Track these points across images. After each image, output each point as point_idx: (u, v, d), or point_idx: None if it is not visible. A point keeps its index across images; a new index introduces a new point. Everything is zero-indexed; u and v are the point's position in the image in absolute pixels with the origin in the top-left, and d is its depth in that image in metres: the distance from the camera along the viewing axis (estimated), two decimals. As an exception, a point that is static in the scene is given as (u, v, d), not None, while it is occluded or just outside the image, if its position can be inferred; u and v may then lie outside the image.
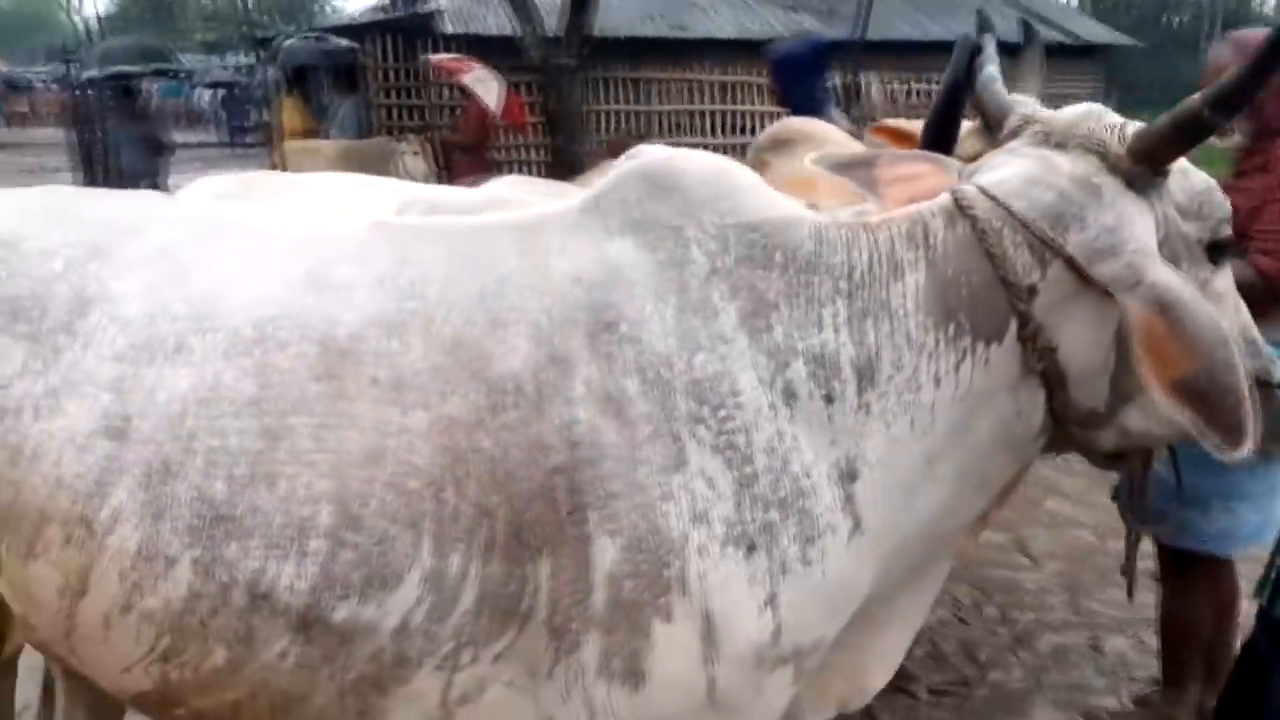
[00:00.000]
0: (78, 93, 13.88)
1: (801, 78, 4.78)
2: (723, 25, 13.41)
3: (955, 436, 1.48)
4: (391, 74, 11.88)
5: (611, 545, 1.37)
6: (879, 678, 1.72)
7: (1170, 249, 1.46)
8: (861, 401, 1.44)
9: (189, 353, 1.45)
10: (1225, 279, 1.56)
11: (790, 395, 1.43)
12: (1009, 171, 1.49)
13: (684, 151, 1.60)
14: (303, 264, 1.53)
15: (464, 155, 8.94)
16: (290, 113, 11.75)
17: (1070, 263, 1.41)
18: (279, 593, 1.39)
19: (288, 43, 11.94)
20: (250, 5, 40.07)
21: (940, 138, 1.76)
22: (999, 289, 1.44)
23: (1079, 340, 1.45)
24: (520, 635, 1.41)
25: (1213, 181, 1.53)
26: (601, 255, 1.48)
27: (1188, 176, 1.50)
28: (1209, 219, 1.50)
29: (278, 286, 1.50)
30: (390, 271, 1.50)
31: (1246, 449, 1.31)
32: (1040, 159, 1.49)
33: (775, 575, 1.40)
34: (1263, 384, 1.51)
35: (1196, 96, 1.37)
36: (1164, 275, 1.38)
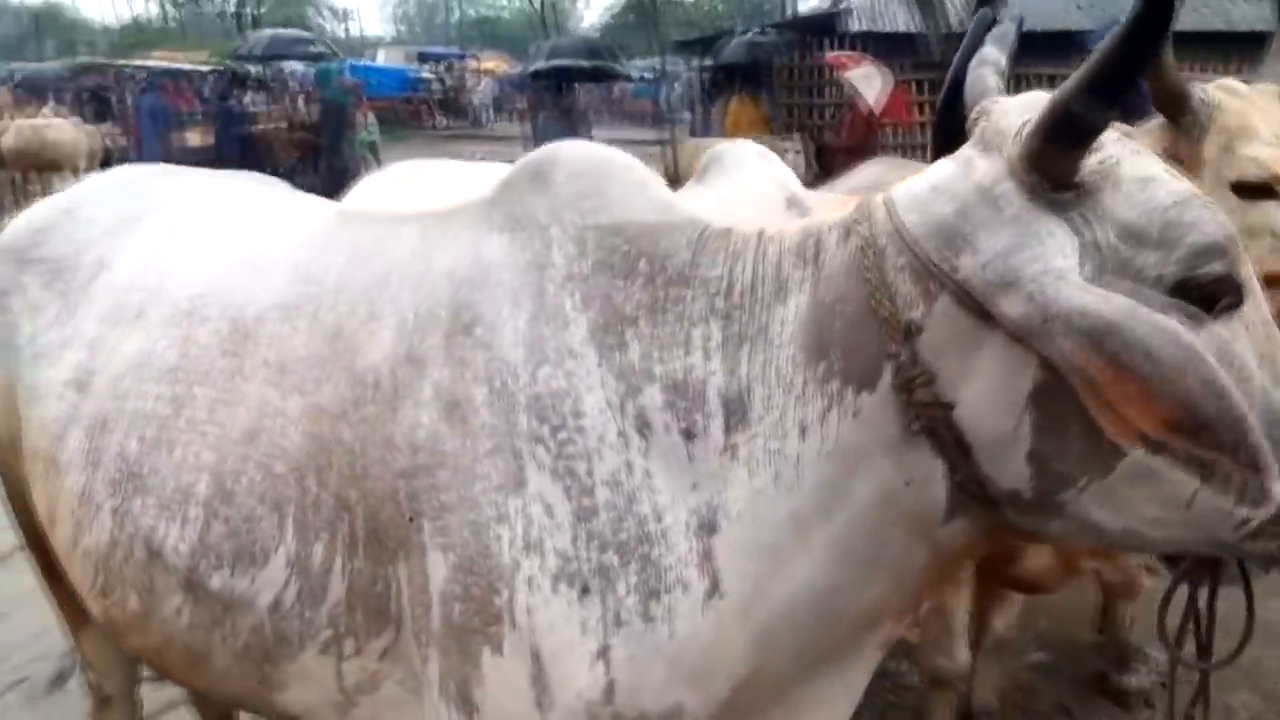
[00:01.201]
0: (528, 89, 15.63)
1: None
2: (1168, 15, 11.85)
3: (827, 500, 1.20)
4: (796, 73, 11.98)
5: (443, 561, 1.30)
6: None
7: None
8: (728, 442, 1.23)
9: (145, 319, 1.60)
10: (1226, 329, 1.06)
11: (644, 425, 1.26)
12: (925, 179, 1.19)
13: (579, 143, 1.46)
14: (255, 246, 1.62)
15: (846, 157, 8.79)
16: (738, 109, 12.23)
17: (961, 296, 1.09)
18: (167, 553, 1.49)
19: (721, 42, 12.53)
20: (720, 9, 42.33)
21: (948, 133, 1.44)
22: (874, 323, 1.15)
23: (980, 398, 1.11)
24: (399, 638, 1.40)
25: (1192, 193, 1.06)
26: (478, 252, 1.40)
27: (1147, 187, 1.06)
28: (1177, 248, 1.04)
29: (224, 265, 1.60)
30: (306, 257, 1.54)
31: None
32: (963, 161, 1.17)
33: (609, 626, 1.24)
34: None
35: (1064, 86, 1.00)
36: (1080, 298, 1.02)
